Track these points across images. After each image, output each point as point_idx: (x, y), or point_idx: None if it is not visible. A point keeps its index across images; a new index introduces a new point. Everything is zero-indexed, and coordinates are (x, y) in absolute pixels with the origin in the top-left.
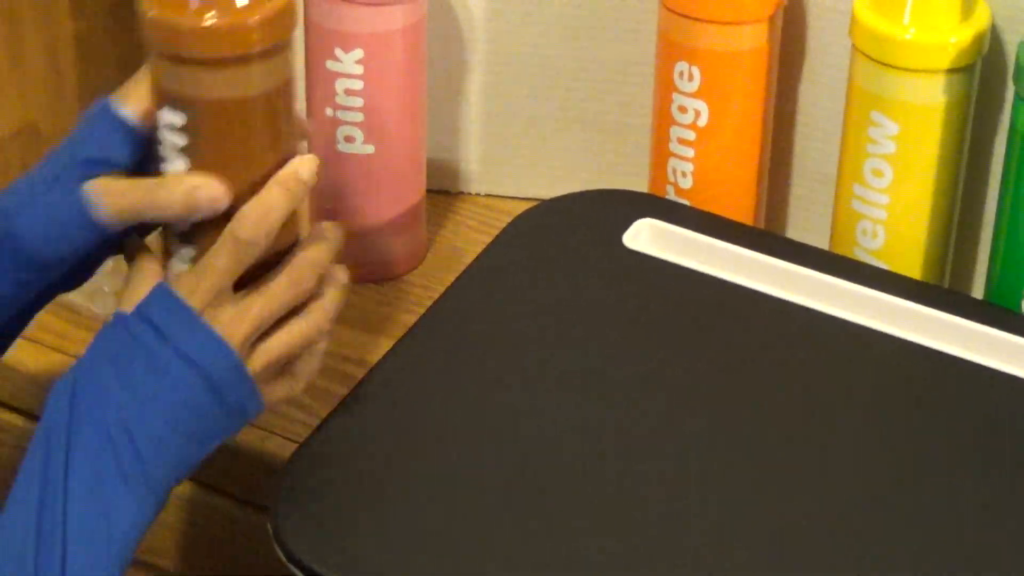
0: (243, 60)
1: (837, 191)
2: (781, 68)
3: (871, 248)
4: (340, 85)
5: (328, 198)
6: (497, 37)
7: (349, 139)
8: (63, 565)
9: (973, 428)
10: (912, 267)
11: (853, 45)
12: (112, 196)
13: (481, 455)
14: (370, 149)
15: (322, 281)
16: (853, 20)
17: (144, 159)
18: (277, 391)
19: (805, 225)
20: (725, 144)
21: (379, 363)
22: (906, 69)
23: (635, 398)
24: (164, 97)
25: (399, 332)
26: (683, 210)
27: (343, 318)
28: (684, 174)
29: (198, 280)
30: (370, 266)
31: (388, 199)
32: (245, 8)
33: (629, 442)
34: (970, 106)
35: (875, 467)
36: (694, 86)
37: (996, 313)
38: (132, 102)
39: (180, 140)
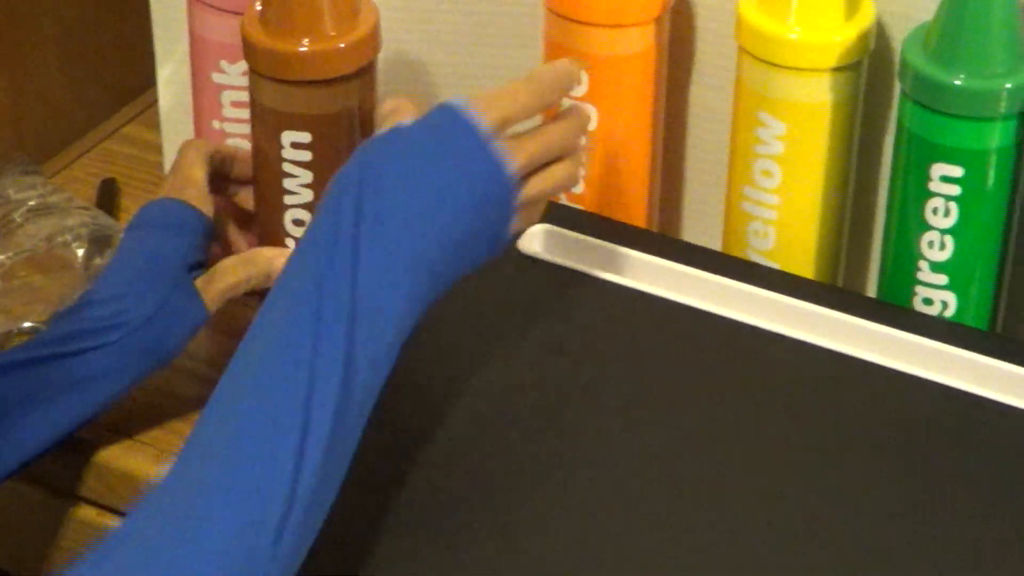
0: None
1: (727, 193)
2: (670, 70)
3: (762, 249)
4: (226, 97)
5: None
6: (388, 45)
7: None
8: (350, 334)
9: (866, 425)
10: (804, 267)
11: (739, 45)
12: (214, 294)
13: (382, 463)
14: None
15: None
16: (738, 20)
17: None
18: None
19: (698, 227)
20: (615, 148)
21: None
22: (792, 68)
23: (536, 403)
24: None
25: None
26: (577, 215)
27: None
28: None
29: (492, 104)
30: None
31: None
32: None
33: (527, 446)
34: (857, 104)
35: (771, 466)
36: (582, 90)
37: (888, 311)
38: (199, 197)
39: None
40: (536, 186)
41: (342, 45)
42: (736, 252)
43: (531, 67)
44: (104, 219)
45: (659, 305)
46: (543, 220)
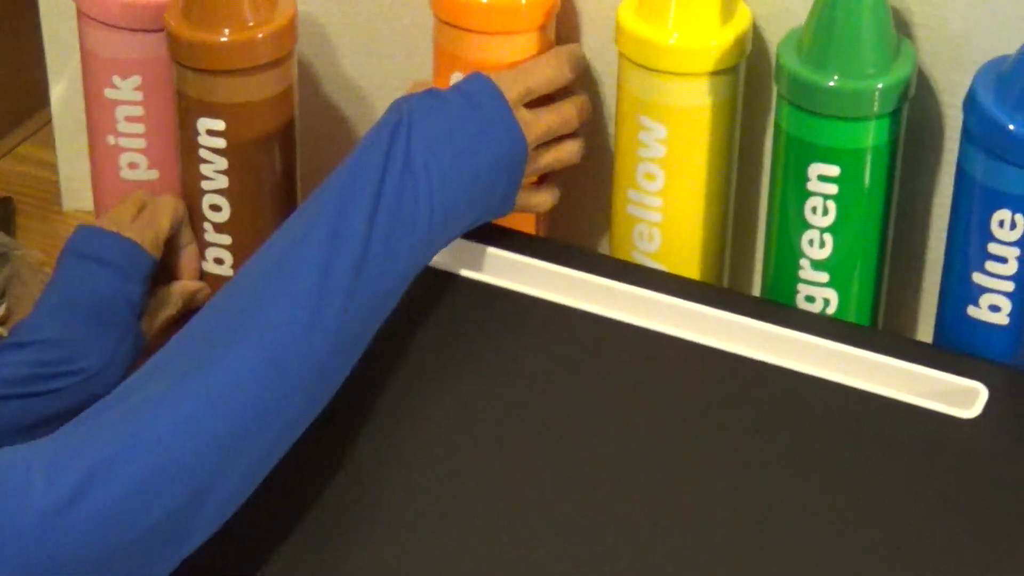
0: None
1: (613, 196)
2: None
3: (648, 251)
4: (120, 112)
5: None
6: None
7: (133, 166)
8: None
9: (754, 421)
10: (689, 268)
11: (619, 51)
12: (155, 331)
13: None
14: (154, 175)
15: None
16: (618, 27)
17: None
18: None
19: (586, 231)
20: None
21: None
22: (671, 73)
23: (441, 410)
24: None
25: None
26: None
27: None
28: None
29: (515, 77)
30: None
31: None
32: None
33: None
34: (736, 107)
35: (661, 462)
36: None
37: (771, 309)
38: (156, 244)
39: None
40: (547, 157)
41: (260, 35)
42: (623, 255)
43: (423, 75)
44: (1, 237)
45: (546, 309)
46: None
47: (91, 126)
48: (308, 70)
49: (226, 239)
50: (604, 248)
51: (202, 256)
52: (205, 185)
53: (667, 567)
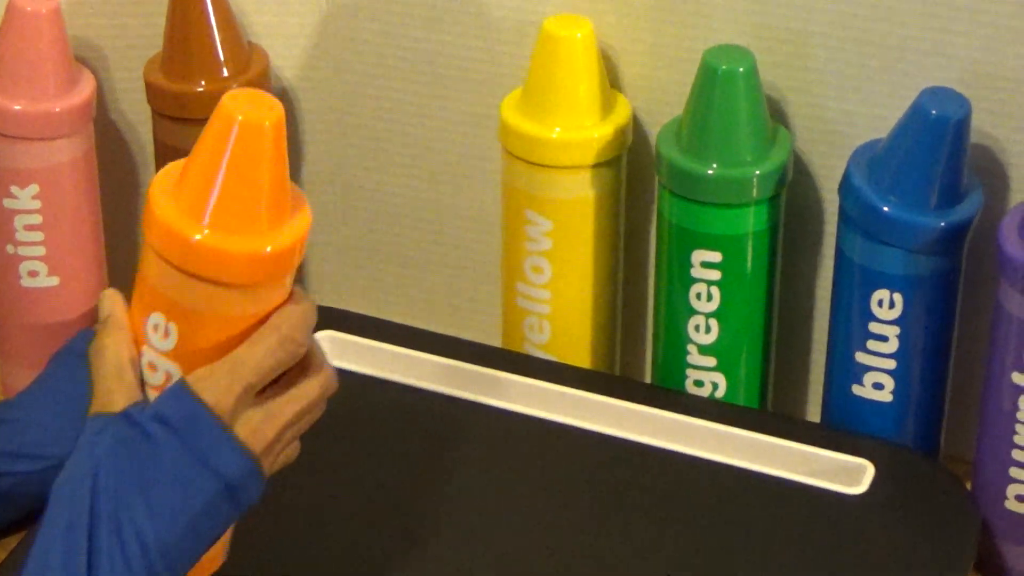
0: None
1: (503, 289)
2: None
3: (539, 342)
4: (19, 222)
5: (16, 331)
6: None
7: (32, 274)
8: None
9: (648, 506)
10: (580, 357)
11: (503, 147)
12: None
13: None
14: (54, 281)
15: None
16: (501, 123)
17: None
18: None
19: (479, 325)
20: None
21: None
22: (553, 167)
23: (325, 501)
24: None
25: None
26: (364, 321)
27: None
28: None
29: (231, 377)
30: None
31: (75, 328)
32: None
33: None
34: (620, 197)
35: (553, 549)
36: None
37: (661, 395)
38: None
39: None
40: (280, 457)
41: (234, 86)
42: (515, 347)
43: None
44: None
45: (442, 402)
46: (328, 327)
47: None
48: None
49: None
50: (496, 341)
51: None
52: None
53: None
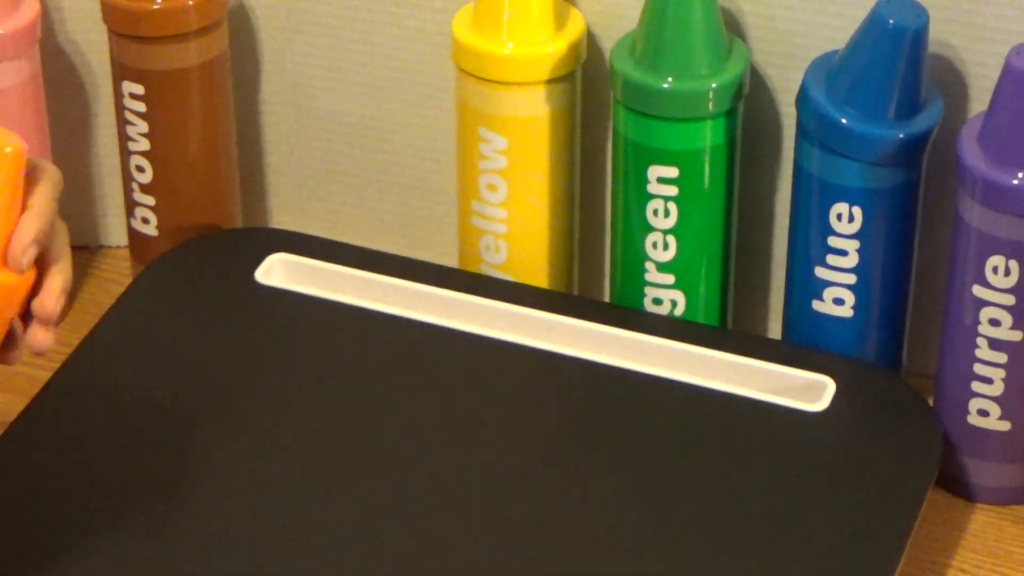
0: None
1: (458, 209)
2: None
3: (495, 263)
4: None
5: None
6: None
7: None
8: None
9: (607, 425)
10: (538, 278)
11: (456, 64)
12: None
13: (128, 501)
14: None
15: None
16: (453, 40)
17: None
18: None
19: (434, 246)
20: None
21: (14, 422)
22: (507, 83)
23: (274, 426)
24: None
25: (35, 389)
26: (317, 243)
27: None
28: None
29: None
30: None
31: None
32: None
33: (270, 466)
34: (575, 114)
35: (526, 472)
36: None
37: (620, 314)
38: None
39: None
40: None
41: (190, 3)
42: (471, 267)
43: None
44: None
45: (399, 325)
46: (280, 251)
47: None
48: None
49: (150, 200)
50: (453, 262)
51: (131, 215)
52: (131, 146)
53: None
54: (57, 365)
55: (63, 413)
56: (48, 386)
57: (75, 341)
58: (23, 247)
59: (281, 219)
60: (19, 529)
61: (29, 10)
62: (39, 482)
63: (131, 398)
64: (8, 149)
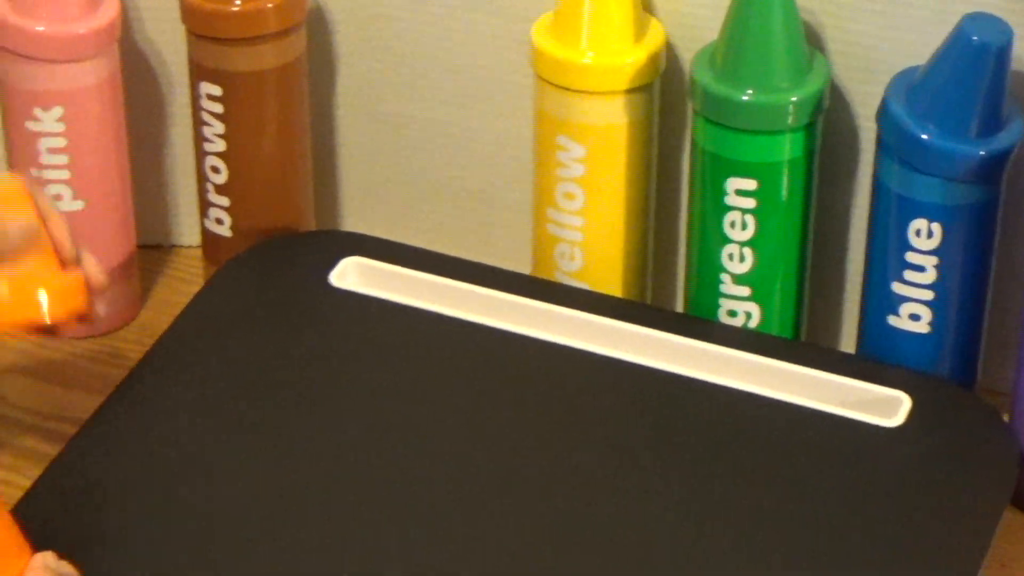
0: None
1: (534, 217)
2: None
3: (571, 270)
4: (43, 144)
5: None
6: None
7: (58, 197)
8: None
9: (682, 437)
10: (612, 286)
11: (536, 72)
12: None
13: (199, 501)
14: (79, 205)
15: None
16: (533, 48)
17: None
18: None
19: (509, 253)
20: None
21: (91, 419)
22: (587, 92)
23: (347, 430)
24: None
25: (110, 388)
26: (390, 247)
27: (50, 375)
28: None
29: None
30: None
31: (100, 254)
32: None
33: (343, 469)
34: (653, 124)
35: (597, 481)
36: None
37: (694, 324)
38: None
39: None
40: None
41: (269, 5)
42: (546, 275)
43: None
44: None
45: (473, 331)
46: (354, 254)
47: (13, 159)
48: None
49: (225, 200)
50: (526, 269)
51: (205, 215)
52: (207, 147)
53: None
54: (132, 364)
55: (138, 413)
56: (123, 385)
57: (149, 341)
58: (70, 246)
59: (353, 222)
60: (97, 527)
61: (109, 10)
62: (115, 481)
63: (206, 397)
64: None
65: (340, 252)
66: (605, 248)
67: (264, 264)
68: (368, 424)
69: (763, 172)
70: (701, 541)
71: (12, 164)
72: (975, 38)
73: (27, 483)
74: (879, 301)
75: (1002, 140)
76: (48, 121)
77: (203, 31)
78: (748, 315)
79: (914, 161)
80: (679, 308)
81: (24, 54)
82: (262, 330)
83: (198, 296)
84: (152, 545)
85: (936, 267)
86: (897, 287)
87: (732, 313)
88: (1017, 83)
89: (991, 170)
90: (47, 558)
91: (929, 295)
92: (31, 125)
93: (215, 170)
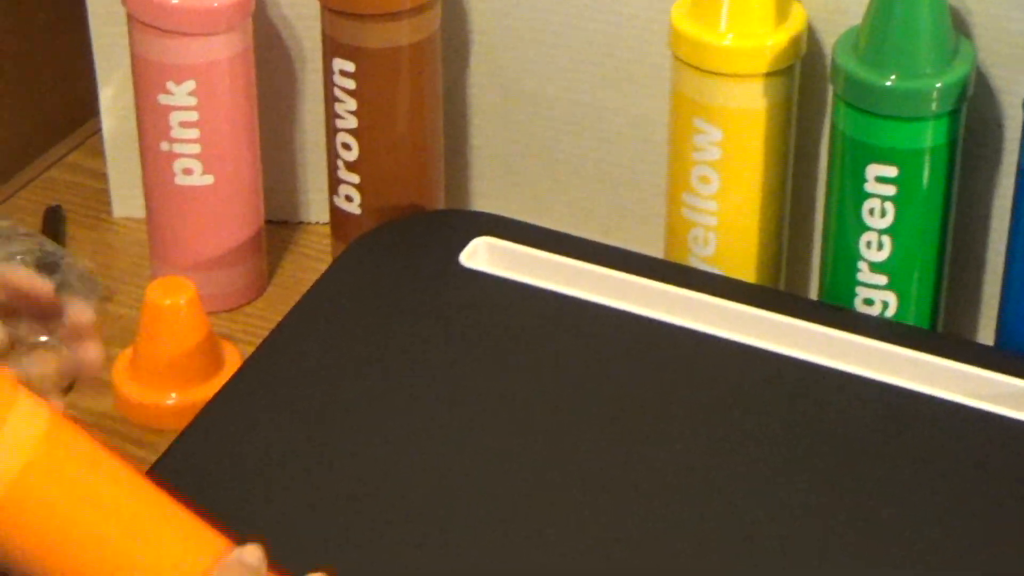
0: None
1: (668, 200)
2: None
3: (704, 255)
4: (174, 118)
5: (168, 231)
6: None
7: (187, 171)
8: None
9: (812, 426)
10: (746, 271)
11: (673, 54)
12: None
13: (326, 482)
14: (209, 180)
15: None
16: (672, 29)
17: None
18: None
19: (641, 236)
20: None
21: (217, 395)
22: (726, 75)
23: (476, 413)
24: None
25: (238, 363)
26: (521, 227)
27: None
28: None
29: None
30: (209, 297)
31: (228, 229)
32: None
33: (472, 452)
34: (792, 108)
35: (728, 470)
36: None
37: (830, 312)
38: None
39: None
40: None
41: None
42: (679, 259)
43: None
44: (50, 245)
45: (604, 314)
46: (484, 234)
47: (143, 132)
48: None
49: (355, 178)
50: (659, 252)
51: (334, 192)
52: (338, 123)
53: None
54: (259, 341)
55: (263, 390)
56: (250, 362)
57: (276, 317)
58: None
59: (482, 202)
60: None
61: None
62: (238, 457)
63: (332, 377)
64: None
65: (471, 232)
66: (740, 233)
67: (393, 243)
68: (497, 406)
69: (904, 159)
70: (836, 529)
71: (143, 137)
72: None
73: (152, 457)
74: (1020, 292)
75: None
76: (180, 95)
77: (338, 6)
78: (885, 304)
79: None
80: (813, 295)
81: (158, 27)
82: (390, 309)
83: (326, 274)
84: (278, 526)
85: None
86: None
87: (868, 301)
88: None
89: None
90: (245, 554)
91: None
92: (163, 99)
93: (346, 147)
